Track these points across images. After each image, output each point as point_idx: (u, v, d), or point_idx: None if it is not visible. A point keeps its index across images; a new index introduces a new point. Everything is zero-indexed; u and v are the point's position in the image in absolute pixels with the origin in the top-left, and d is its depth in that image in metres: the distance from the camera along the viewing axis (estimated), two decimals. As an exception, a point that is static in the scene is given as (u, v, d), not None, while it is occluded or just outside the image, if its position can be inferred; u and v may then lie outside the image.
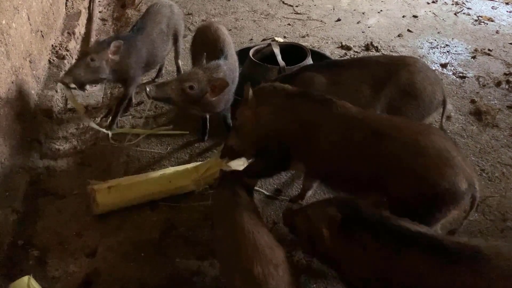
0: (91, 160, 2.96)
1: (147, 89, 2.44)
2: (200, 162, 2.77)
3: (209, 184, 2.66)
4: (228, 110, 2.89)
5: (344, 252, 1.71)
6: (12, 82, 2.89)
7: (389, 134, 1.86)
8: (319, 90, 2.33)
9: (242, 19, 4.69)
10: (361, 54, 4.08)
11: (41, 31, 3.60)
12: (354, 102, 2.13)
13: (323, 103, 2.04)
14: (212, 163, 2.70)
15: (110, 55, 2.91)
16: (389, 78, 2.34)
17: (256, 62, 3.36)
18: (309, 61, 3.39)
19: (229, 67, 2.73)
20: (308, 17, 4.76)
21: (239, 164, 2.62)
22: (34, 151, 2.94)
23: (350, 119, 1.97)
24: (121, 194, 2.55)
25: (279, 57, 3.40)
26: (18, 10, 3.11)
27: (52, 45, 3.87)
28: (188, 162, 2.86)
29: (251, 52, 3.47)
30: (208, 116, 3.00)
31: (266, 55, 3.56)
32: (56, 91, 3.49)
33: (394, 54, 4.07)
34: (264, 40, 4.30)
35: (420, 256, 1.55)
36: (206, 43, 2.96)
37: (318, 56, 3.62)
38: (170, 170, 2.71)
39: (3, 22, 2.81)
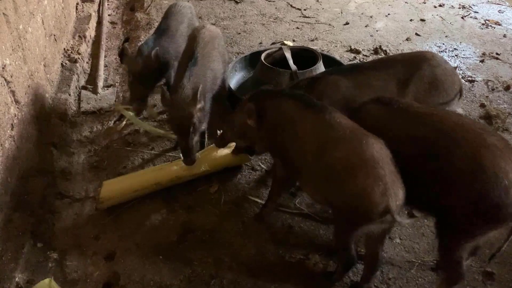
0: (106, 163, 2.99)
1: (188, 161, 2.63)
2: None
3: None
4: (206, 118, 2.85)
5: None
6: (29, 86, 2.92)
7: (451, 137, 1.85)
8: (345, 94, 2.41)
9: (251, 22, 4.72)
10: (370, 58, 4.11)
11: (54, 35, 3.64)
12: None
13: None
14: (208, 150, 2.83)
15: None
16: (413, 74, 2.42)
17: (267, 66, 3.39)
18: (320, 65, 3.43)
19: (197, 72, 2.74)
20: (316, 20, 4.79)
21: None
22: (50, 154, 2.97)
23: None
24: (124, 183, 2.63)
25: (290, 61, 3.43)
26: (33, 15, 3.14)
27: (64, 49, 3.91)
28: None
29: (262, 56, 3.50)
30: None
31: (277, 59, 3.59)
32: (69, 94, 3.53)
33: (403, 57, 4.10)
34: (273, 43, 4.33)
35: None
36: (187, 46, 2.98)
37: (328, 59, 3.65)
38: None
39: (20, 27, 2.84)
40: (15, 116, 2.66)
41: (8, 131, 2.55)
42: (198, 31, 3.00)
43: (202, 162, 2.74)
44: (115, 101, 3.65)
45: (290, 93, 2.23)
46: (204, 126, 2.82)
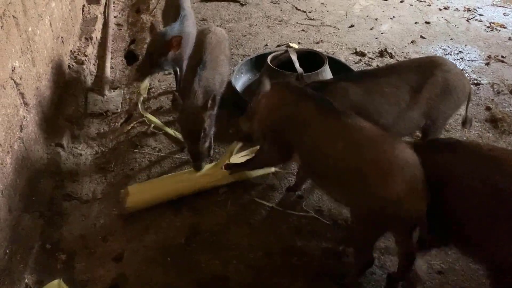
0: (114, 165, 3.01)
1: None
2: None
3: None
4: (212, 127, 2.85)
5: None
6: (37, 88, 2.94)
7: None
8: (355, 100, 2.41)
9: (256, 25, 4.73)
10: (376, 61, 4.12)
11: (62, 37, 3.66)
12: (393, 108, 2.31)
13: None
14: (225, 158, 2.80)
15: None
16: (425, 80, 2.43)
17: (274, 68, 3.40)
18: (326, 68, 3.44)
19: (206, 76, 2.82)
20: (321, 23, 4.80)
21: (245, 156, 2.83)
22: (58, 156, 2.99)
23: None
24: (151, 189, 2.63)
25: (296, 64, 3.44)
26: (41, 17, 3.17)
27: (71, 50, 3.93)
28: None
29: (268, 59, 3.51)
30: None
31: (283, 62, 3.60)
32: (76, 96, 3.55)
33: (408, 60, 4.11)
34: (278, 46, 4.35)
35: None
36: (195, 50, 3.07)
37: (334, 62, 3.66)
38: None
39: (29, 29, 2.86)
40: (24, 118, 2.68)
41: (17, 133, 2.57)
42: (204, 36, 3.02)
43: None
44: (121, 103, 3.66)
45: (314, 95, 2.22)
46: (212, 131, 2.85)
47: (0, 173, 2.30)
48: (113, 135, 3.31)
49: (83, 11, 4.60)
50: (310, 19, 4.88)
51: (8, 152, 2.42)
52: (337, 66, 3.66)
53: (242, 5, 5.13)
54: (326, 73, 3.44)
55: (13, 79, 2.55)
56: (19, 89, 2.63)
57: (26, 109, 2.73)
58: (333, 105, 2.12)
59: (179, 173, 2.76)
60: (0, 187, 2.29)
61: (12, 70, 2.54)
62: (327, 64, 3.46)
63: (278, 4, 5.19)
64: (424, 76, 2.44)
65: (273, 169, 2.87)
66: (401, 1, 5.32)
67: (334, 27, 4.72)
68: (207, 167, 2.78)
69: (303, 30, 4.65)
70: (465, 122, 2.76)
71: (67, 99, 3.46)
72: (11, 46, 2.55)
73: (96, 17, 4.63)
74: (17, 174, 2.51)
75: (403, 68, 2.53)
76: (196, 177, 2.70)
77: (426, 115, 2.46)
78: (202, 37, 3.04)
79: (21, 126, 2.62)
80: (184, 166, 2.95)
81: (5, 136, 2.38)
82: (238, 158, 2.82)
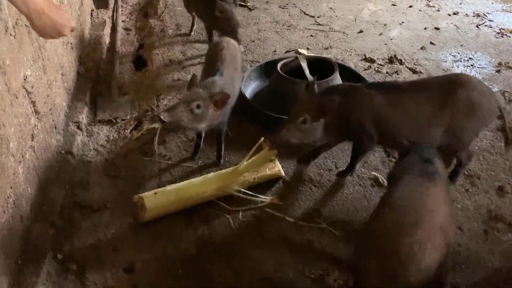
0: (123, 173, 3.00)
1: (161, 116, 2.42)
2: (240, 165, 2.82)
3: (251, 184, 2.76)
4: (224, 125, 2.92)
5: None
6: (47, 96, 2.93)
7: None
8: (377, 109, 2.47)
9: (265, 30, 4.72)
10: (385, 67, 4.10)
11: (71, 43, 3.65)
12: (413, 123, 2.37)
13: None
14: (253, 163, 2.77)
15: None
16: (448, 98, 2.43)
17: (284, 76, 3.39)
18: (336, 76, 3.42)
19: (225, 82, 2.78)
20: (330, 28, 4.78)
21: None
22: (68, 164, 2.98)
23: None
24: (168, 197, 2.61)
25: (307, 71, 3.44)
26: (52, 24, 3.16)
27: (80, 56, 3.92)
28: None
29: (278, 66, 3.50)
30: (203, 134, 3.02)
31: (293, 68, 3.59)
32: (86, 103, 3.54)
33: (418, 67, 4.09)
34: (287, 51, 4.33)
35: None
36: (210, 61, 3.04)
37: (343, 69, 3.64)
38: (212, 174, 2.82)
39: (41, 37, 2.85)
40: (35, 126, 2.68)
41: (29, 142, 2.56)
42: (218, 52, 3.00)
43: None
44: (130, 109, 3.66)
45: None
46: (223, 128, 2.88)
47: (12, 183, 2.29)
48: (123, 142, 3.30)
49: (91, 15, 4.60)
50: (318, 24, 4.86)
51: (20, 161, 2.42)
52: (347, 73, 3.65)
53: (250, 10, 5.12)
54: (337, 80, 3.43)
55: (25, 88, 2.54)
56: (30, 98, 2.63)
57: (37, 117, 2.73)
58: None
59: (193, 182, 2.74)
60: (12, 197, 2.29)
61: (24, 79, 2.54)
62: (338, 71, 3.44)
63: (287, 8, 5.17)
64: (446, 94, 2.43)
65: (282, 173, 2.86)
66: (410, 6, 5.30)
67: (343, 32, 4.70)
68: (220, 173, 2.78)
69: (311, 36, 4.63)
70: (507, 144, 2.75)
71: (77, 106, 3.45)
72: (23, 55, 2.54)
73: (105, 21, 4.63)
74: (28, 184, 2.51)
75: (428, 85, 2.53)
76: (210, 186, 2.69)
77: (450, 132, 2.46)
78: (216, 52, 3.02)
79: (32, 134, 2.62)
80: (194, 175, 2.94)
81: (17, 145, 2.38)
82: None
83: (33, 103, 2.67)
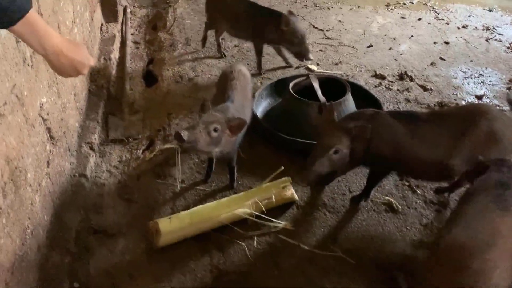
0: (137, 196, 3.01)
1: (182, 133, 2.39)
2: (254, 188, 2.86)
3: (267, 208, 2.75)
4: (234, 152, 2.92)
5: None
6: (62, 119, 2.94)
7: None
8: (397, 139, 2.48)
9: (274, 44, 4.71)
10: (396, 84, 4.10)
11: (83, 62, 3.65)
12: (432, 153, 2.39)
13: None
14: (267, 187, 2.82)
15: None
16: (468, 129, 2.43)
17: (295, 97, 3.39)
18: (349, 96, 3.42)
19: (236, 109, 2.79)
20: (339, 42, 4.77)
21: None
22: (82, 187, 2.99)
23: None
24: (182, 222, 2.62)
25: (319, 92, 3.43)
26: (65, 46, 3.16)
27: (91, 73, 3.93)
28: (233, 200, 2.90)
29: (290, 86, 3.50)
30: (214, 160, 3.02)
31: (304, 87, 3.59)
32: (98, 122, 3.55)
33: (428, 84, 4.09)
34: (297, 67, 4.33)
35: None
36: (220, 90, 3.05)
37: (354, 87, 3.63)
38: (225, 198, 2.83)
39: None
40: (51, 152, 2.69)
41: (45, 169, 2.57)
42: (229, 82, 3.00)
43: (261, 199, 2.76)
44: (142, 127, 3.66)
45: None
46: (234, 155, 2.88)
47: (30, 213, 2.31)
48: (135, 163, 3.31)
49: (101, 30, 4.61)
50: (327, 38, 4.86)
51: (37, 190, 2.43)
52: (358, 91, 3.64)
53: (259, 23, 5.11)
54: (349, 102, 3.43)
55: (41, 116, 2.55)
56: (46, 124, 2.64)
57: (52, 143, 2.73)
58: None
59: (207, 206, 2.75)
60: (30, 227, 2.30)
61: (40, 107, 2.55)
62: (350, 92, 3.44)
63: (296, 21, 5.16)
64: (466, 125, 2.43)
65: (296, 197, 2.87)
66: (419, 19, 5.29)
67: (353, 47, 4.69)
68: (234, 198, 2.80)
69: (321, 50, 4.63)
70: None
71: (89, 125, 3.47)
72: (40, 83, 2.55)
73: (114, 35, 4.64)
74: (44, 211, 2.52)
75: (448, 116, 2.53)
76: (224, 210, 2.70)
77: (471, 163, 2.46)
78: (227, 81, 3.02)
79: (48, 161, 2.62)
80: (208, 199, 2.95)
81: (34, 175, 2.39)
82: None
83: (49, 129, 2.68)
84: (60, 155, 2.87)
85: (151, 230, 2.63)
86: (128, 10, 5.24)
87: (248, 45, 4.69)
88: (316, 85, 3.50)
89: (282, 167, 2.74)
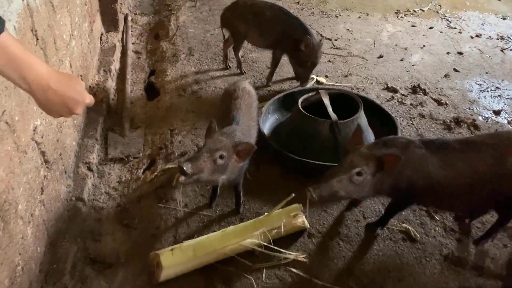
0: (137, 222, 2.83)
1: (184, 166, 2.19)
2: (262, 217, 2.67)
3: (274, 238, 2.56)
4: (241, 177, 2.73)
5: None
6: (57, 141, 2.76)
7: None
8: (430, 171, 2.31)
9: (281, 55, 4.52)
10: (409, 98, 3.91)
11: (81, 75, 3.48)
12: (467, 185, 2.28)
13: None
14: (276, 216, 2.63)
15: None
16: (502, 158, 2.27)
17: (305, 114, 3.19)
18: (361, 114, 3.23)
19: (242, 132, 2.61)
20: (348, 52, 4.59)
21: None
22: (79, 212, 2.81)
23: None
24: (185, 255, 2.43)
25: (329, 109, 3.24)
26: (62, 61, 2.99)
27: (90, 87, 3.76)
28: (240, 227, 2.71)
29: (299, 102, 3.31)
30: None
31: (313, 102, 3.41)
32: (96, 139, 3.38)
33: (443, 98, 3.90)
34: (305, 80, 4.14)
35: None
36: (224, 109, 2.84)
37: (367, 102, 3.44)
38: (231, 228, 2.64)
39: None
40: (45, 177, 2.51)
41: (38, 197, 2.39)
42: (233, 101, 2.81)
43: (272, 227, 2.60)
44: (143, 145, 3.49)
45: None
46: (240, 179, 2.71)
47: (21, 248, 2.13)
48: (136, 184, 3.13)
49: (101, 40, 4.43)
50: (336, 48, 4.67)
51: (29, 222, 2.25)
52: (370, 106, 3.45)
53: (264, 32, 4.93)
54: (362, 119, 3.24)
55: (34, 140, 2.37)
56: (40, 148, 2.46)
57: (47, 167, 2.56)
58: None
59: (211, 236, 2.57)
60: (21, 263, 2.12)
61: (34, 130, 2.37)
62: (362, 109, 3.25)
63: (303, 30, 4.97)
64: (501, 154, 2.26)
65: (307, 225, 2.68)
66: (430, 28, 5.10)
67: (362, 57, 4.51)
68: (240, 227, 2.62)
69: (329, 61, 4.44)
70: None
71: (87, 144, 3.29)
72: (33, 105, 2.36)
73: (115, 45, 4.46)
74: (37, 243, 2.34)
75: (481, 145, 2.34)
76: (230, 241, 2.51)
77: (505, 193, 2.30)
78: (230, 100, 2.83)
79: (42, 188, 2.45)
80: (212, 225, 2.77)
81: (26, 205, 2.21)
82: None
83: (43, 153, 2.50)
84: (56, 178, 2.69)
85: (152, 262, 2.45)
86: (129, 18, 5.07)
87: (254, 56, 4.51)
88: (326, 101, 3.31)
89: (293, 194, 2.55)
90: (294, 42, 3.67)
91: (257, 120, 3.03)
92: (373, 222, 2.71)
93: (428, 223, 2.78)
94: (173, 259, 2.42)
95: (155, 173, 3.15)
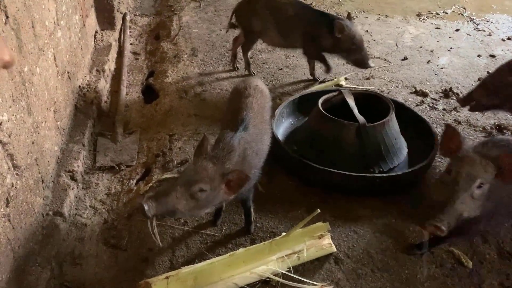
0: (127, 242, 2.34)
1: (145, 206, 1.75)
2: (279, 237, 2.18)
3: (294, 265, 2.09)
4: (250, 191, 2.24)
5: None
6: (33, 143, 2.30)
7: None
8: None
9: (293, 56, 4.10)
10: (441, 103, 3.44)
11: (68, 72, 3.04)
12: None
13: None
14: (298, 236, 2.15)
15: None
16: None
17: (327, 116, 2.73)
18: (392, 117, 2.76)
19: (251, 139, 2.12)
20: (369, 54, 4.13)
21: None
22: (56, 230, 2.33)
23: None
24: (184, 285, 1.95)
25: (355, 111, 2.78)
26: (43, 51, 2.55)
27: (79, 86, 3.31)
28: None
29: (320, 103, 2.85)
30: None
31: (334, 105, 2.95)
32: (83, 145, 2.91)
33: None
34: (322, 82, 3.70)
35: None
36: (232, 110, 2.35)
37: (395, 105, 2.95)
38: (241, 251, 2.14)
39: (25, 69, 2.24)
40: (13, 186, 2.03)
41: (1, 210, 1.91)
42: (243, 101, 2.33)
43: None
44: (137, 152, 3.02)
45: None
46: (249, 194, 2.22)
47: (-29, 276, 1.65)
48: (127, 197, 2.65)
49: (95, 38, 4.01)
50: (354, 49, 4.23)
51: (-14, 241, 1.77)
52: (399, 109, 2.96)
53: (275, 33, 4.50)
54: (393, 122, 2.77)
55: (-2, 139, 1.91)
56: (6, 150, 1.99)
57: (16, 174, 2.08)
58: None
59: (216, 262, 2.06)
60: (-30, 296, 1.64)
61: (-2, 127, 1.91)
62: (393, 111, 2.78)
63: (317, 31, 4.55)
64: None
65: (334, 248, 2.19)
66: (457, 30, 4.66)
67: (385, 59, 4.07)
68: (252, 250, 2.12)
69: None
70: None
71: (72, 149, 2.82)
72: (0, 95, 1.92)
73: (110, 44, 4.03)
74: (-2, 268, 1.86)
75: None
76: (239, 268, 2.02)
77: None
78: (239, 99, 2.35)
79: (7, 199, 1.97)
80: (217, 248, 2.27)
81: (-19, 221, 1.73)
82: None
83: (11, 156, 2.03)
84: (28, 188, 2.21)
85: None
86: (128, 18, 4.65)
87: (265, 56, 4.08)
88: (351, 102, 2.85)
89: (318, 210, 2.07)
90: (327, 35, 3.27)
91: (271, 123, 2.54)
92: (420, 243, 2.21)
93: (480, 246, 2.28)
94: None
95: (150, 184, 2.67)
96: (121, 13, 4.62)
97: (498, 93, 2.53)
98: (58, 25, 2.88)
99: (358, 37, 3.31)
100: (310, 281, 2.04)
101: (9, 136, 2.01)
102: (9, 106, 2.03)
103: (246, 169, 1.98)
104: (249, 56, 3.77)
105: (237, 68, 3.87)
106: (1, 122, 1.94)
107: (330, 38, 3.27)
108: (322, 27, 3.29)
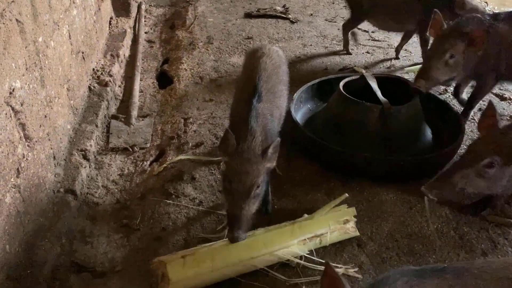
0: (139, 222, 2.25)
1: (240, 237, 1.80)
2: (303, 218, 2.07)
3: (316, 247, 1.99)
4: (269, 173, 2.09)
5: None
6: (45, 116, 2.23)
7: None
8: None
9: (311, 45, 4.01)
10: (465, 91, 3.31)
11: (83, 52, 2.99)
12: None
13: None
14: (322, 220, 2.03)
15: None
16: None
17: (350, 98, 2.62)
18: (417, 101, 2.65)
19: (264, 112, 2.02)
20: (388, 44, 4.04)
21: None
22: (67, 207, 2.25)
23: None
24: (200, 265, 1.83)
25: (378, 93, 2.68)
26: (58, 26, 2.49)
27: (94, 69, 3.25)
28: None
29: (341, 85, 2.74)
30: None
31: (355, 90, 2.84)
32: (97, 126, 2.84)
33: (505, 92, 3.31)
34: (341, 70, 3.60)
35: None
36: (245, 76, 2.28)
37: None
38: (261, 231, 2.00)
39: (40, 39, 2.18)
40: (24, 157, 1.96)
41: (12, 180, 1.84)
42: (257, 59, 2.26)
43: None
44: (152, 135, 2.94)
45: None
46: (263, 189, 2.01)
47: (-22, 243, 1.57)
48: (140, 178, 2.57)
49: (110, 24, 3.96)
50: (374, 39, 4.13)
51: (-6, 209, 1.69)
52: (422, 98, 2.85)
53: (292, 22, 4.43)
54: (417, 106, 2.66)
55: (10, 105, 1.84)
56: (18, 119, 1.92)
57: (28, 145, 2.01)
58: None
59: (236, 243, 1.95)
60: (-23, 264, 1.56)
61: (10, 93, 1.84)
62: (418, 97, 2.67)
63: (335, 22, 4.46)
64: None
65: (357, 232, 2.07)
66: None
67: (405, 49, 3.95)
68: (274, 231, 2.01)
69: (368, 53, 3.90)
70: None
71: (85, 130, 2.75)
72: (11, 60, 1.85)
73: (125, 31, 3.99)
74: (8, 238, 1.78)
75: None
76: (260, 249, 1.91)
77: None
78: (254, 61, 2.28)
79: (18, 169, 1.89)
80: (234, 228, 2.17)
81: (-10, 186, 1.66)
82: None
83: (23, 125, 1.96)
84: (40, 162, 2.14)
85: (155, 272, 1.85)
86: (143, 7, 4.61)
87: (282, 45, 3.98)
88: (374, 85, 2.75)
89: (346, 194, 1.97)
90: (448, 12, 3.07)
91: (287, 88, 2.44)
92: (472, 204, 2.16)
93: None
94: (184, 270, 1.81)
95: (164, 165, 2.59)
96: (136, 1, 4.58)
97: None
98: (74, 2, 2.83)
99: (481, 10, 3.16)
100: (333, 264, 1.93)
101: (22, 105, 1.94)
102: (22, 74, 1.97)
103: (269, 140, 1.89)
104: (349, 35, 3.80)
105: (350, 53, 3.85)
106: (13, 89, 1.87)
107: (450, 16, 3.11)
108: (442, 4, 3.15)
